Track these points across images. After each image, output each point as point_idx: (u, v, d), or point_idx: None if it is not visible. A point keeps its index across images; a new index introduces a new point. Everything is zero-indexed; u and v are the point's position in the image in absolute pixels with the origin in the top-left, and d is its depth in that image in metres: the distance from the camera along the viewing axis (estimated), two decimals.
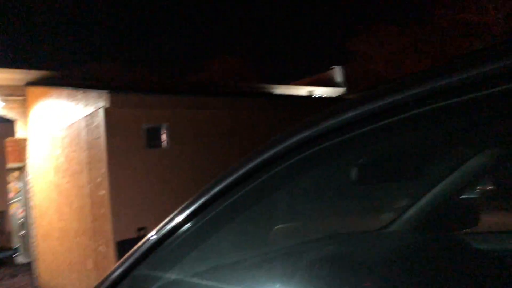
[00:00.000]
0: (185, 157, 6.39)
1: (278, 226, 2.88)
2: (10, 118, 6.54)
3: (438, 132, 0.91)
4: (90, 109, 6.04)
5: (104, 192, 5.83)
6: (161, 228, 1.15)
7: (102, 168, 5.82)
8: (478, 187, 2.20)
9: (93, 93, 6.01)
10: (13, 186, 8.22)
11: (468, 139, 1.26)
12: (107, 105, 5.65)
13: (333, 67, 13.00)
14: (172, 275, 1.36)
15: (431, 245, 1.51)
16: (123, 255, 1.25)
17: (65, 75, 8.25)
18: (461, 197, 1.91)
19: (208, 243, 1.36)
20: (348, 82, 12.89)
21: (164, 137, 6.30)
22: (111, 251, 5.68)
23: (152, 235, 1.17)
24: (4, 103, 7.64)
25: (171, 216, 1.14)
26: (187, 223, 1.11)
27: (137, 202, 5.92)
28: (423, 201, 1.70)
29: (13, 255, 5.50)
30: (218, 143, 6.78)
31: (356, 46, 20.93)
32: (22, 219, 8.15)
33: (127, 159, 5.91)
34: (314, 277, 1.27)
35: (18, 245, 6.86)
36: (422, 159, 1.36)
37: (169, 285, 1.33)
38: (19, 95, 7.88)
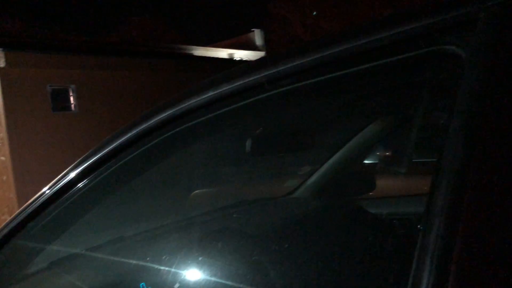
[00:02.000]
0: (96, 121, 6.08)
1: (196, 191, 2.88)
2: None
3: (328, 103, 0.93)
4: None
5: (4, 158, 5.41)
6: (54, 184, 1.06)
7: (1, 132, 5.38)
8: (377, 153, 2.35)
9: None
10: None
11: (361, 108, 1.33)
12: (2, 65, 5.18)
13: (253, 29, 12.94)
14: (72, 248, 1.30)
15: (329, 211, 1.60)
16: None
17: None
18: (361, 163, 2.03)
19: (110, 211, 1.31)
20: (268, 45, 12.95)
21: (72, 99, 5.93)
22: None
23: (45, 191, 1.07)
24: None
25: (65, 171, 1.06)
26: (83, 180, 1.02)
27: (44, 168, 5.58)
28: (324, 168, 1.78)
29: None
30: (132, 106, 6.52)
31: (276, 8, 20.96)
32: None
33: (31, 123, 5.50)
34: (217, 245, 1.28)
35: None
36: (315, 130, 1.41)
37: (68, 259, 1.28)
38: None
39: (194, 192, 2.75)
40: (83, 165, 1.00)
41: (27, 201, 1.08)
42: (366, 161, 2.02)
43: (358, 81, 0.83)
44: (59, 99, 5.81)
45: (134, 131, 0.91)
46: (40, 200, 1.05)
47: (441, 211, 0.46)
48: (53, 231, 1.13)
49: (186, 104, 0.83)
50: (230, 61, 10.22)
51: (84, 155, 1.03)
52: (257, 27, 12.99)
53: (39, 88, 5.62)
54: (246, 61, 10.57)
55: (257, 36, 12.78)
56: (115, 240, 1.39)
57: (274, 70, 0.74)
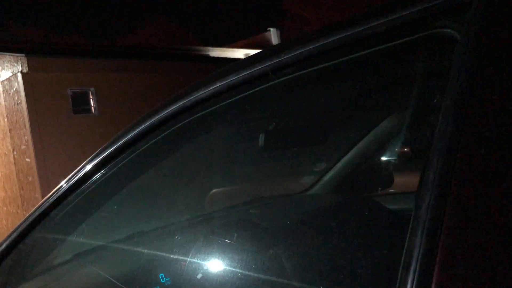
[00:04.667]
0: (115, 122, 6.19)
1: (214, 190, 2.91)
2: None
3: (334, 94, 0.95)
4: (7, 73, 5.65)
5: (30, 159, 5.56)
6: (72, 176, 1.10)
7: (26, 135, 5.54)
8: (395, 150, 2.34)
9: (8, 57, 5.60)
10: None
11: (371, 103, 1.33)
12: (25, 70, 5.32)
13: (269, 29, 12.93)
14: (94, 241, 1.35)
15: (346, 207, 1.61)
16: None
17: None
18: (378, 159, 2.03)
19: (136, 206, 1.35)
20: None
21: (92, 102, 6.05)
22: None
23: (62, 184, 1.11)
24: None
25: (82, 164, 1.10)
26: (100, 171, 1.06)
27: (67, 169, 5.69)
28: (340, 164, 1.79)
29: None
30: (150, 107, 6.59)
31: (291, 6, 20.91)
32: None
33: (53, 126, 5.64)
34: (235, 240, 1.30)
35: None
36: (329, 125, 1.42)
37: (90, 252, 1.32)
38: None
39: (213, 190, 2.78)
40: (100, 156, 1.04)
41: None
42: (383, 157, 2.02)
43: (361, 69, 0.85)
44: (79, 102, 5.94)
45: (146, 123, 0.95)
46: (59, 193, 1.09)
47: (432, 185, 0.49)
48: (73, 222, 1.18)
49: (195, 96, 0.87)
50: None
51: (101, 148, 1.07)
52: (273, 26, 12.99)
53: (60, 91, 5.75)
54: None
55: (273, 35, 12.76)
56: (137, 234, 1.43)
57: (279, 59, 0.76)
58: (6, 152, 6.05)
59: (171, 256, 1.20)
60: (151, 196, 1.65)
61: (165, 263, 1.21)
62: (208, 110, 0.89)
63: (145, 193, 1.36)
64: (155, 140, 0.97)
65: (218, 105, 0.87)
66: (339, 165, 1.81)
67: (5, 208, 6.30)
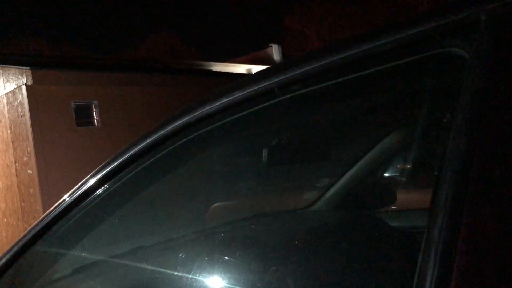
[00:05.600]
0: (117, 135, 6.21)
1: (215, 204, 2.90)
2: None
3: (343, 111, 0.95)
4: (12, 85, 5.69)
5: (31, 171, 5.56)
6: (74, 191, 1.09)
7: (28, 146, 5.55)
8: (398, 166, 2.33)
9: (13, 70, 5.65)
10: None
11: (377, 118, 1.34)
12: (29, 82, 5.36)
13: (270, 44, 13.03)
14: (94, 255, 1.33)
15: (349, 223, 1.60)
16: None
17: None
18: (381, 175, 2.02)
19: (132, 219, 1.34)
20: (285, 60, 12.99)
21: (95, 114, 6.08)
22: None
23: (65, 199, 1.11)
24: None
25: (84, 180, 1.09)
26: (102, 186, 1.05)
27: (69, 182, 5.70)
28: (343, 180, 1.78)
29: None
30: (152, 120, 6.63)
31: (292, 22, 21.10)
32: None
33: (56, 138, 5.66)
34: (237, 256, 1.29)
35: None
36: (333, 141, 1.42)
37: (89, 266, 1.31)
38: None
39: (214, 204, 2.77)
40: (104, 171, 1.04)
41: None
42: (386, 174, 2.01)
43: (367, 86, 0.85)
44: (82, 115, 5.96)
45: (151, 138, 0.95)
46: (61, 207, 1.08)
47: (444, 205, 0.48)
48: (74, 236, 1.17)
49: (200, 111, 0.87)
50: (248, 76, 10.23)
51: (104, 162, 1.06)
52: (274, 42, 13.09)
53: (64, 104, 5.78)
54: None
55: (275, 51, 12.87)
56: (136, 249, 1.42)
57: (284, 76, 0.76)
58: (8, 164, 6.06)
59: (173, 272, 1.19)
60: (152, 210, 1.64)
61: (166, 280, 1.19)
62: (212, 126, 0.89)
63: (147, 207, 1.36)
64: (159, 155, 0.97)
65: (223, 121, 0.87)
66: (342, 180, 1.81)
67: (5, 219, 6.28)
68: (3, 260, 1.13)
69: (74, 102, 5.88)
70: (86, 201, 1.08)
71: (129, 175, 1.03)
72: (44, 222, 1.10)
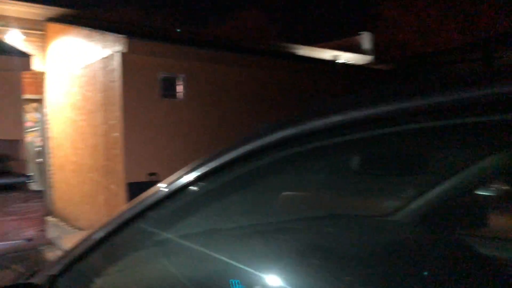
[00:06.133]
0: (199, 110, 6.38)
1: (284, 193, 2.86)
2: (28, 52, 6.46)
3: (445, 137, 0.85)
4: (107, 51, 6.00)
5: (117, 134, 5.91)
6: (171, 183, 1.12)
7: (117, 111, 5.87)
8: (494, 186, 2.11)
9: (110, 37, 5.96)
10: (31, 116, 8.31)
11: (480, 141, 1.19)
12: (124, 50, 5.62)
13: (361, 32, 12.55)
14: (170, 234, 1.36)
15: (432, 242, 1.47)
16: (133, 197, 1.24)
17: (85, 15, 8.14)
18: (474, 193, 1.84)
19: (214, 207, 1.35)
20: (376, 50, 12.48)
21: (179, 88, 6.27)
22: (122, 191, 5.83)
23: (162, 187, 1.14)
24: (24, 36, 7.61)
25: (182, 172, 1.12)
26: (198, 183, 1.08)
27: (150, 148, 6.01)
28: (432, 194, 1.64)
29: (27, 181, 5.64)
30: (233, 100, 6.72)
31: (387, 11, 20.07)
32: (40, 148, 8.35)
33: (141, 106, 5.95)
34: (307, 257, 1.25)
35: (32, 173, 7.02)
36: (427, 156, 1.30)
37: (165, 242, 1.34)
38: (38, 30, 7.81)
39: (284, 193, 2.73)
40: (205, 168, 1.04)
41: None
42: (480, 194, 1.82)
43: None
44: (168, 87, 6.18)
45: (249, 147, 0.92)
46: (162, 194, 1.11)
47: None
48: (165, 223, 1.21)
49: (308, 125, 0.81)
50: (335, 64, 9.96)
51: (200, 161, 1.07)
52: (364, 30, 12.59)
53: (152, 74, 6.03)
54: (350, 64, 10.28)
55: (365, 39, 12.38)
56: (208, 232, 1.43)
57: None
58: (97, 125, 6.48)
59: (248, 263, 1.17)
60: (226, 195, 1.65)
61: (239, 270, 1.18)
62: (323, 143, 0.83)
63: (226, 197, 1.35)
64: (259, 164, 0.94)
65: (335, 140, 0.81)
66: (431, 194, 1.67)
67: (90, 174, 6.77)
68: (103, 232, 1.19)
69: (162, 73, 6.10)
70: (186, 191, 1.11)
71: (228, 178, 1.03)
72: (146, 203, 1.14)
